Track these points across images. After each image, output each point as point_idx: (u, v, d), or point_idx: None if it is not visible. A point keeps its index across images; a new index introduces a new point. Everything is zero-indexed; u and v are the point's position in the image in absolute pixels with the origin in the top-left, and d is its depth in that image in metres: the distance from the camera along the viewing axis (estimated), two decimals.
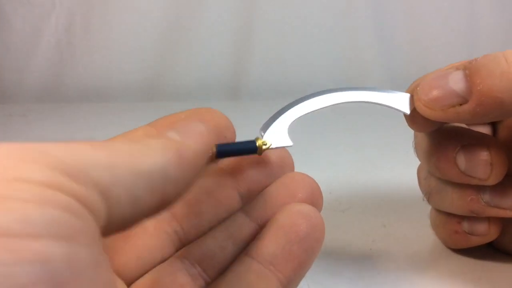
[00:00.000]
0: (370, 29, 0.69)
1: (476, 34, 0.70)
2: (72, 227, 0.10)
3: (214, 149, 0.18)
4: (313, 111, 0.21)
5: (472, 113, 0.19)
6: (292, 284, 0.17)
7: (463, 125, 0.24)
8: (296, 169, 0.21)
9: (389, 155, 0.44)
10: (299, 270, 0.17)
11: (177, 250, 0.18)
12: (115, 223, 0.12)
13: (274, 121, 0.20)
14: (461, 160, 0.22)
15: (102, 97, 0.67)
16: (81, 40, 0.67)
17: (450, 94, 0.20)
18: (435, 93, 0.20)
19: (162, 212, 0.17)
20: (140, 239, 0.18)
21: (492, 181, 0.22)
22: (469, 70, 0.19)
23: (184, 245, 0.18)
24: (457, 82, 0.20)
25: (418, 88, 0.21)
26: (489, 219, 0.24)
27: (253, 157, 0.19)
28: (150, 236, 0.18)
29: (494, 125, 0.25)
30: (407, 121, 0.23)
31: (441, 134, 0.23)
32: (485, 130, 0.25)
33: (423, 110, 0.21)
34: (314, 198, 0.19)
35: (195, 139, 0.16)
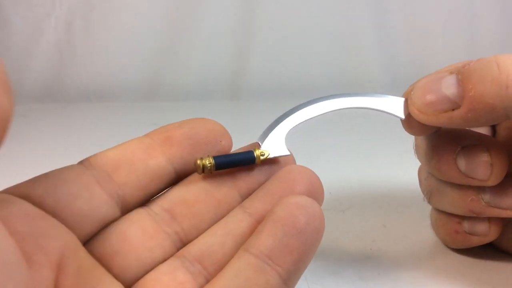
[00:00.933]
0: (370, 29, 0.69)
1: (476, 35, 0.70)
2: None
3: (212, 162, 0.18)
4: (309, 119, 0.21)
5: (464, 118, 0.19)
6: (292, 278, 0.17)
7: None
8: None
9: (389, 155, 0.44)
10: (299, 263, 0.17)
11: (178, 251, 0.18)
12: None
13: (271, 130, 0.20)
14: (461, 161, 0.22)
15: (102, 97, 0.67)
16: (81, 40, 0.67)
17: (443, 99, 0.20)
18: (428, 98, 0.20)
19: None
20: (139, 241, 0.17)
21: (492, 181, 0.22)
22: (462, 75, 0.19)
23: (185, 245, 0.18)
24: (449, 87, 0.20)
25: (412, 92, 0.21)
26: (490, 219, 0.24)
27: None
28: (149, 238, 0.18)
29: (493, 125, 0.25)
30: (403, 126, 0.23)
31: (441, 136, 0.23)
32: (485, 131, 0.25)
33: (416, 114, 0.21)
34: (314, 190, 0.19)
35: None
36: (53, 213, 0.16)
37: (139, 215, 0.18)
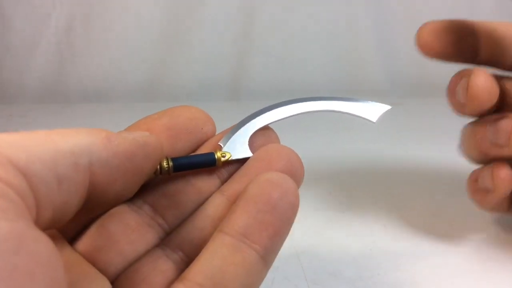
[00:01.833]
0: (370, 30, 0.69)
1: None
2: None
3: (170, 163, 0.18)
4: (277, 120, 0.21)
5: None
6: (270, 253, 0.16)
7: None
8: None
9: (389, 155, 0.44)
10: (275, 237, 0.16)
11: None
12: (51, 205, 0.13)
13: (234, 133, 0.20)
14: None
15: (102, 97, 0.67)
16: (81, 40, 0.67)
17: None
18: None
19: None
20: (122, 235, 0.18)
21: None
22: None
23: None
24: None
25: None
26: (492, 172, 0.25)
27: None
28: (132, 231, 0.18)
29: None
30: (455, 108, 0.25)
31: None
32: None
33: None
34: (293, 169, 0.18)
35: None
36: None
37: (121, 209, 0.18)
